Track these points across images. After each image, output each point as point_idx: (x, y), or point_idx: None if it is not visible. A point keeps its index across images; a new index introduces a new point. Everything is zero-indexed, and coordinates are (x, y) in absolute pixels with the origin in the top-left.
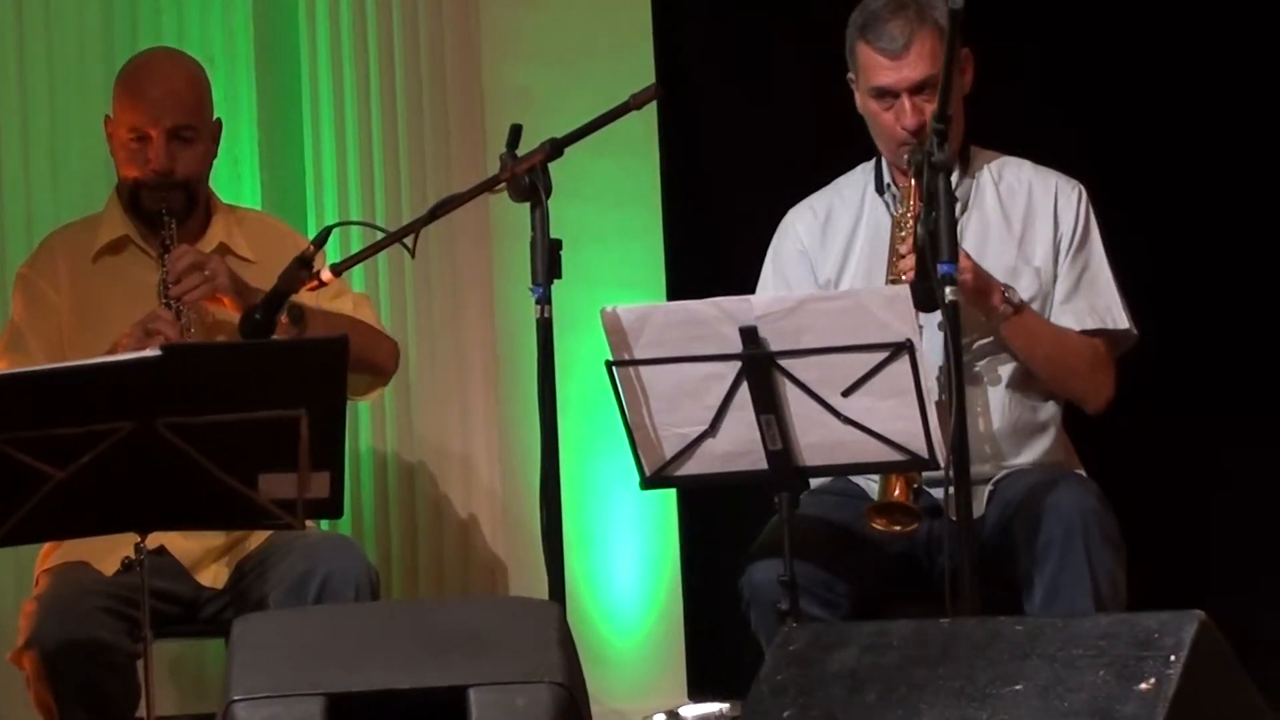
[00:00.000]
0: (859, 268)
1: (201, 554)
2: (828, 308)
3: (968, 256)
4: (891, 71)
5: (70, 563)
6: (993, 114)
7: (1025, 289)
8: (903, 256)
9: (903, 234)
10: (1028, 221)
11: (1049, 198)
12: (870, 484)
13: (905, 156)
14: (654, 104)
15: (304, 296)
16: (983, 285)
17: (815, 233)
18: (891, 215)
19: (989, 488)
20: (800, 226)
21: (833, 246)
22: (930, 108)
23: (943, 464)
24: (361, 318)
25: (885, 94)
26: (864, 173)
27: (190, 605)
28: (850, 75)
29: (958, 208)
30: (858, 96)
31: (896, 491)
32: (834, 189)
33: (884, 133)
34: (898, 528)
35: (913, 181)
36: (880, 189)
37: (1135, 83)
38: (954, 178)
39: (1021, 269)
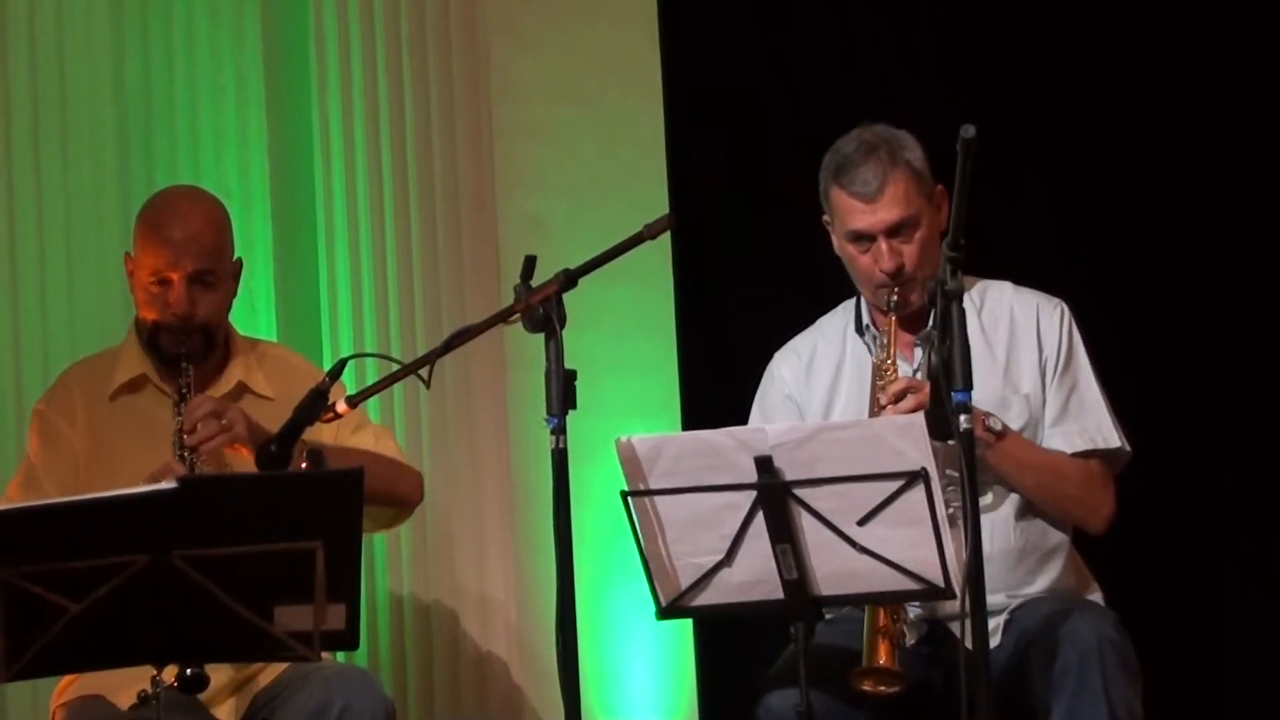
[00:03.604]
0: (846, 408)
1: (216, 688)
2: (843, 436)
3: None
4: (867, 215)
5: (86, 696)
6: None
7: (1015, 417)
8: (883, 407)
9: (881, 383)
10: (1011, 347)
11: (1031, 320)
12: None
13: (886, 299)
14: (668, 234)
15: (324, 429)
16: None
17: (800, 375)
18: (872, 357)
19: (1004, 617)
20: (785, 370)
21: (817, 388)
22: (907, 249)
23: (958, 593)
24: (383, 450)
25: (861, 238)
26: (845, 311)
27: None
28: (825, 218)
29: (938, 338)
30: (834, 239)
31: (882, 659)
32: (817, 329)
33: (862, 275)
34: (883, 688)
35: (893, 323)
36: (860, 329)
37: (1118, 184)
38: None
39: (1010, 398)
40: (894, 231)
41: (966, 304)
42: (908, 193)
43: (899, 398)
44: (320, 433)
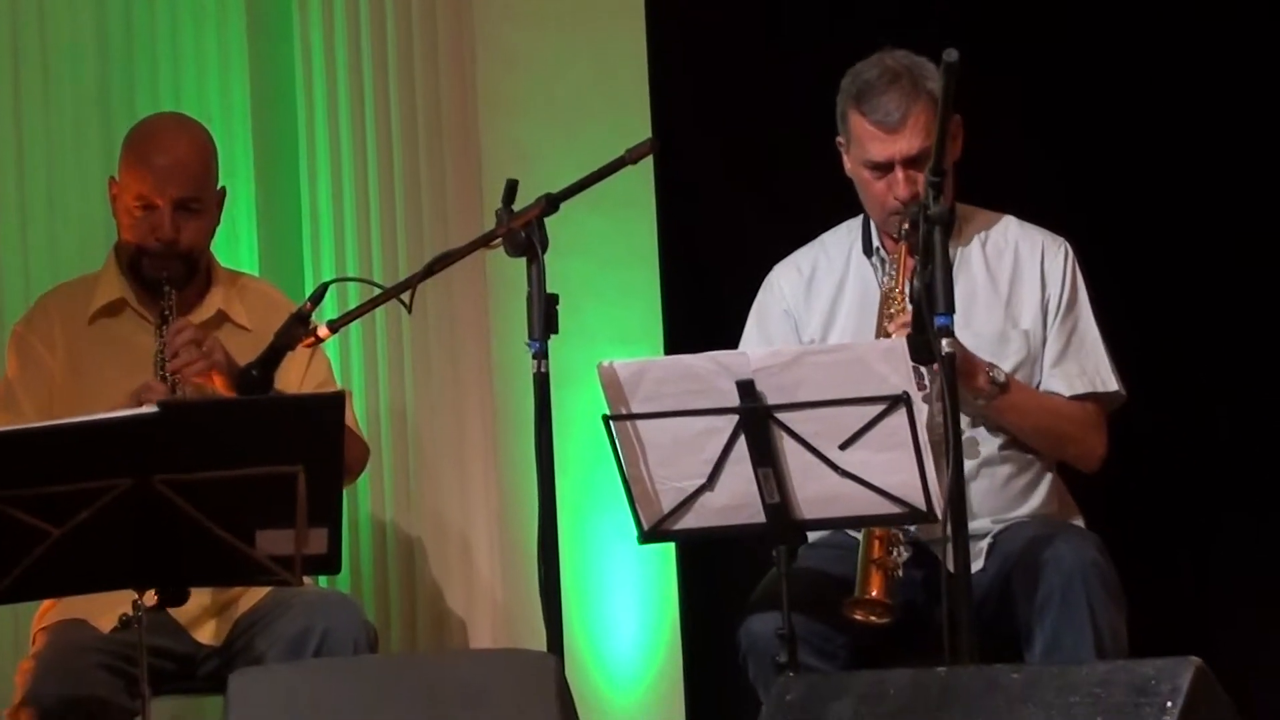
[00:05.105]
0: (845, 328)
1: (198, 611)
2: (825, 360)
3: (955, 340)
4: (887, 145)
5: (67, 620)
6: (980, 168)
7: (1014, 353)
8: (889, 335)
9: (890, 311)
10: (1014, 282)
11: (1035, 257)
12: None
13: (898, 226)
14: (650, 160)
15: (288, 383)
16: (967, 367)
17: (800, 291)
18: (879, 281)
19: (988, 540)
20: (785, 284)
21: (817, 305)
22: (923, 178)
23: (940, 516)
24: None
25: (879, 166)
26: (849, 231)
27: (188, 662)
28: (840, 139)
29: (920, 263)
30: (847, 161)
31: (874, 590)
32: (819, 245)
33: (875, 201)
34: (874, 618)
35: (903, 250)
36: (868, 250)
37: (1121, 130)
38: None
39: (1010, 333)
40: (912, 161)
41: (972, 239)
42: (929, 123)
43: (905, 329)
44: (285, 386)
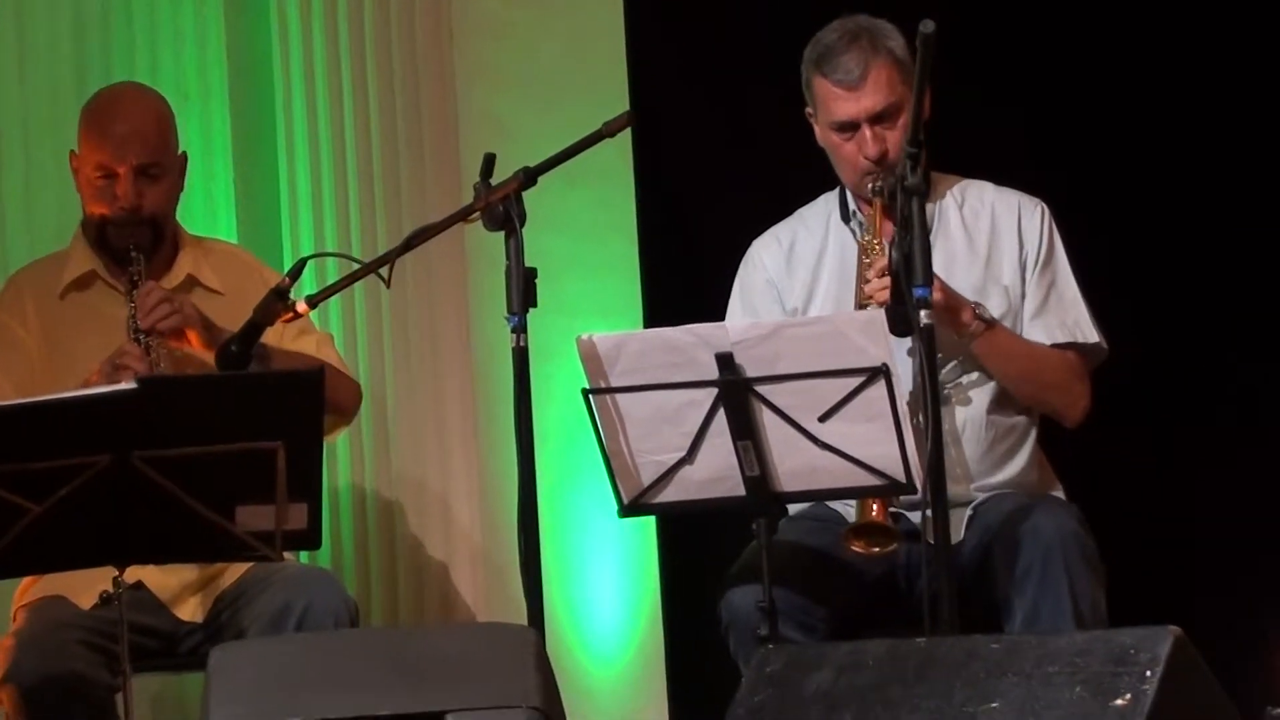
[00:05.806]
0: (827, 295)
1: (179, 588)
2: (803, 333)
3: (936, 276)
4: (850, 103)
5: (48, 597)
6: (952, 136)
7: (994, 307)
8: (869, 281)
9: (868, 260)
10: (993, 241)
11: (1012, 217)
12: (848, 509)
13: (870, 185)
14: (629, 134)
15: (269, 332)
16: (953, 303)
17: (780, 262)
18: (858, 243)
19: (968, 512)
20: (766, 256)
21: (799, 275)
22: (891, 135)
23: (920, 488)
24: (324, 357)
25: (845, 126)
26: (826, 202)
27: (169, 639)
28: (808, 109)
29: (898, 234)
30: (817, 130)
31: (874, 512)
32: (797, 218)
33: (846, 163)
34: (876, 549)
35: (877, 207)
36: (845, 217)
37: (1092, 94)
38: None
39: (990, 288)
40: (877, 119)
41: (948, 202)
42: (890, 80)
43: (885, 273)
44: (264, 336)
